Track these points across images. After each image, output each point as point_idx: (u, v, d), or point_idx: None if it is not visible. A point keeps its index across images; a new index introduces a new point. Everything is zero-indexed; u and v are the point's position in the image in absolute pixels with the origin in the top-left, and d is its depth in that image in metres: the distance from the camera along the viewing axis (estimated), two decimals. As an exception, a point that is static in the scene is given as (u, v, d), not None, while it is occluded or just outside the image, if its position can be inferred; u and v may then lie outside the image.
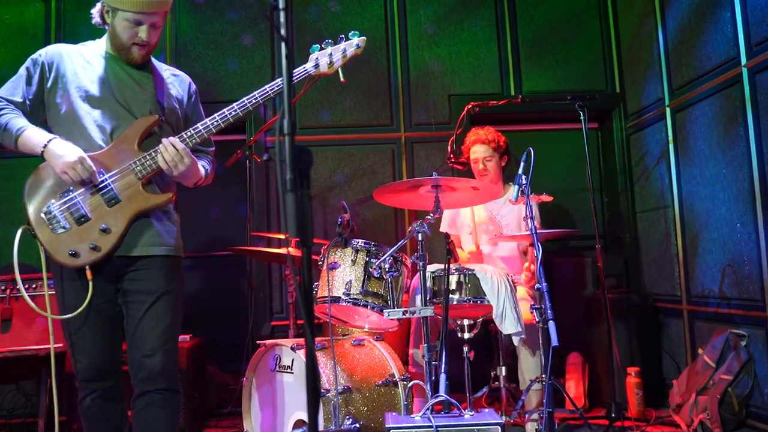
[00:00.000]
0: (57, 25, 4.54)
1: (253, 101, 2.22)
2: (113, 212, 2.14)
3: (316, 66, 2.27)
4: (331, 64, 2.31)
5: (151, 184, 2.23)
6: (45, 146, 2.10)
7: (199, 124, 2.23)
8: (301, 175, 1.30)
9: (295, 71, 2.28)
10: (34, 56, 2.23)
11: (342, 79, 3.64)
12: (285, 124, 1.30)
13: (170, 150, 2.15)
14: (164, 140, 2.17)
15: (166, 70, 2.39)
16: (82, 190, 2.14)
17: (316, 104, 4.66)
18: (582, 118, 3.72)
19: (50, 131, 2.19)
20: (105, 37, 2.28)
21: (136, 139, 2.18)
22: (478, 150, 3.72)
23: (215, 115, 2.22)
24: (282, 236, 3.68)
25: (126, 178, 2.16)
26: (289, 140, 1.30)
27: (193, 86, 2.44)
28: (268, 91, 2.22)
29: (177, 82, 2.38)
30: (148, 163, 2.17)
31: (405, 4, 4.78)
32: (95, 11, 2.23)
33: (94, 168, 2.10)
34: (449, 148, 4.00)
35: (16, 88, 2.21)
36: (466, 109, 4.10)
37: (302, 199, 1.27)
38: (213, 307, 4.70)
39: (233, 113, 2.21)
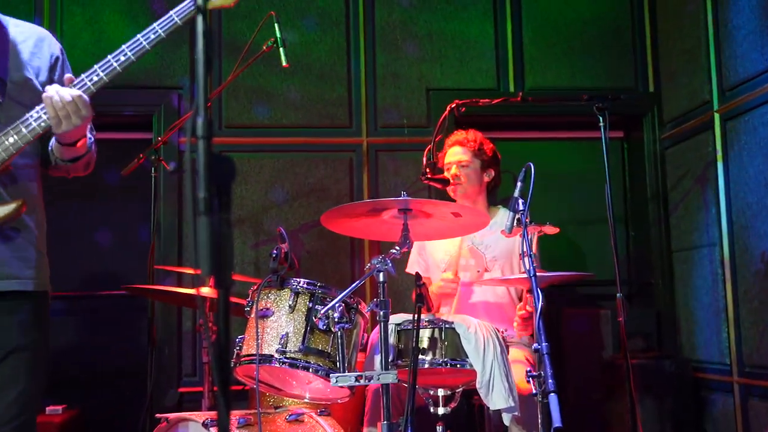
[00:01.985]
0: None
1: (162, 30, 2.26)
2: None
3: None
4: None
5: None
6: None
7: (94, 66, 2.25)
8: (220, 193, 1.29)
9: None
10: None
11: (285, 62, 3.74)
12: (199, 124, 1.30)
13: (57, 97, 2.16)
14: (48, 88, 2.18)
15: (17, 27, 2.39)
16: None
17: (249, 95, 4.72)
18: (602, 124, 3.81)
19: None
20: None
21: None
22: (455, 151, 3.82)
23: (108, 56, 2.25)
24: (194, 272, 3.68)
25: None
26: (203, 145, 1.29)
27: (58, 45, 2.45)
28: (175, 20, 2.25)
29: (32, 42, 2.39)
30: None
31: (372, -35, 4.89)
32: None
33: None
34: (425, 159, 4.07)
35: None
36: (449, 108, 4.16)
37: (219, 225, 1.28)
38: (98, 367, 4.65)
39: (139, 47, 2.24)
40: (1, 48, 2.28)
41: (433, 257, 3.88)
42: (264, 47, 3.69)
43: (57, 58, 2.42)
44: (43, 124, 2.22)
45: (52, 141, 2.38)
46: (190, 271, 4.07)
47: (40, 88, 2.30)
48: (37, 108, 2.23)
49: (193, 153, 1.30)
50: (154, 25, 2.26)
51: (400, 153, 4.78)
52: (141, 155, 3.95)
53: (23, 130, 2.22)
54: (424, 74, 4.85)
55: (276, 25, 3.66)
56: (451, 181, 3.78)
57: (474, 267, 3.76)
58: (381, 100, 4.81)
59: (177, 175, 4.52)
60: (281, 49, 3.66)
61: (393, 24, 4.87)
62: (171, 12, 2.26)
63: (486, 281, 3.62)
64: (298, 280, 2.88)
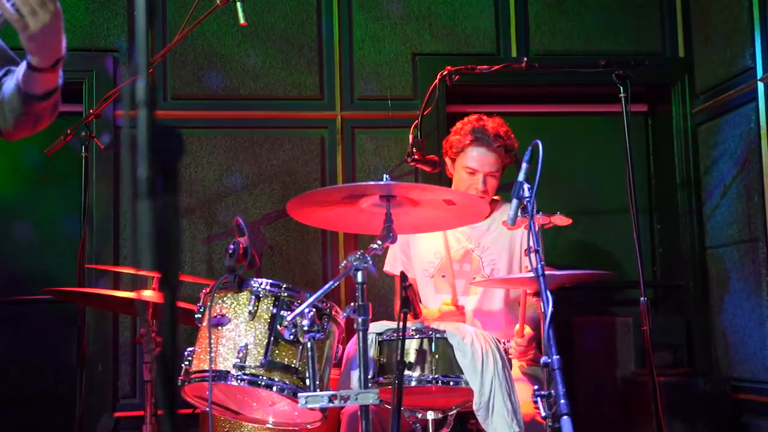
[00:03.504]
0: None
1: None
2: None
3: None
4: None
5: None
6: None
7: None
8: (165, 172, 1.29)
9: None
10: None
11: (242, 20, 3.72)
12: (140, 88, 1.29)
13: None
14: None
15: None
16: None
17: (199, 60, 4.69)
18: (622, 95, 3.82)
19: None
20: None
21: None
22: (481, 156, 3.66)
23: None
24: (137, 271, 3.66)
25: None
26: (145, 115, 1.28)
27: None
28: None
29: None
30: None
31: None
32: None
33: None
34: (411, 137, 4.07)
35: None
36: (439, 76, 4.17)
37: (164, 210, 1.27)
38: (18, 388, 4.62)
39: None
40: None
41: (419, 257, 3.84)
42: (218, 1, 3.66)
43: None
44: None
45: (18, 75, 2.40)
46: (129, 270, 4.04)
47: None
48: None
49: (131, 126, 1.28)
50: None
51: (381, 130, 4.78)
52: (68, 131, 3.90)
53: None
54: (410, 37, 4.85)
55: (225, -25, 3.64)
56: (476, 191, 3.68)
57: (469, 274, 3.74)
58: (358, 68, 4.81)
59: (112, 154, 4.48)
60: (238, 4, 3.65)
61: (373, -25, 4.86)
62: None
63: (481, 282, 3.61)
64: (259, 280, 2.88)
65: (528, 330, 3.38)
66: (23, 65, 2.39)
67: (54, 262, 4.70)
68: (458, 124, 3.79)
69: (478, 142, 3.68)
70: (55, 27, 2.30)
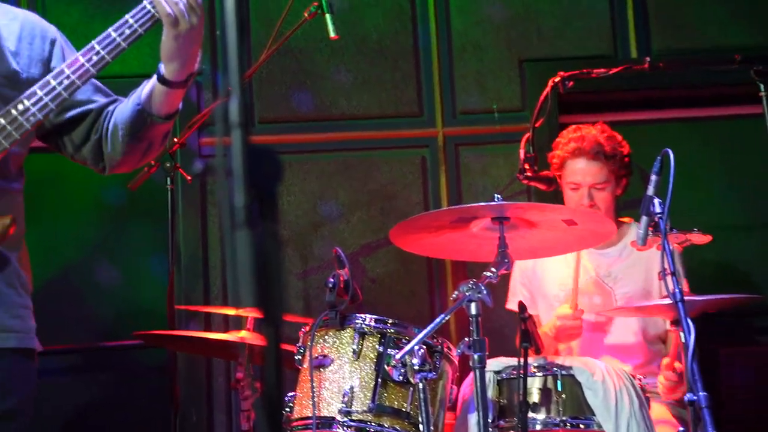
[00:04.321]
0: None
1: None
2: None
3: None
4: None
5: None
6: None
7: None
8: (263, 200, 1.28)
9: None
10: None
11: (333, 33, 3.73)
12: (233, 108, 1.28)
13: None
14: None
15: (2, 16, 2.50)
16: None
17: (287, 80, 4.72)
18: (763, 93, 3.73)
19: None
20: None
21: None
22: (582, 168, 3.64)
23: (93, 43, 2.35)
24: (231, 311, 3.70)
25: None
26: (239, 137, 1.28)
27: (52, 28, 2.56)
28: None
29: (17, 28, 2.49)
30: None
31: None
32: None
33: None
34: (523, 152, 4.03)
35: None
36: (550, 83, 4.12)
37: (264, 241, 1.26)
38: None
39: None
40: None
41: (543, 291, 3.80)
42: (305, 14, 3.69)
43: (52, 44, 2.53)
44: (44, 109, 2.31)
45: (140, 93, 2.45)
46: (222, 310, 4.08)
47: (28, 82, 2.40)
48: (36, 88, 2.31)
49: (223, 149, 1.29)
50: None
51: (488, 146, 4.75)
52: (152, 162, 3.87)
53: (17, 116, 2.29)
54: (516, 42, 4.81)
55: (317, -17, 3.66)
56: (582, 207, 3.63)
57: (600, 306, 3.67)
58: (460, 79, 4.79)
59: (198, 185, 4.55)
60: (328, 16, 3.65)
61: (473, -23, 4.85)
62: None
63: (612, 311, 3.55)
64: (362, 316, 2.88)
65: (678, 363, 3.29)
66: (150, 82, 2.44)
67: (141, 304, 4.76)
68: (558, 138, 3.78)
69: (576, 153, 3.64)
70: (199, 33, 2.37)
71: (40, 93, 2.30)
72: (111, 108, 2.52)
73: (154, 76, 2.41)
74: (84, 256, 4.85)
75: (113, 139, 2.48)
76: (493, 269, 2.81)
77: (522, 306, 2.93)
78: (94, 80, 2.50)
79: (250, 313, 3.37)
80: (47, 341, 2.48)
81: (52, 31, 2.56)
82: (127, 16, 2.34)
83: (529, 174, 3.98)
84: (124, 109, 2.48)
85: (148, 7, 2.33)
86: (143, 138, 2.49)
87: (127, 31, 2.33)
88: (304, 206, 4.67)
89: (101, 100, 2.54)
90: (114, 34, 2.33)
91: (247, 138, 1.29)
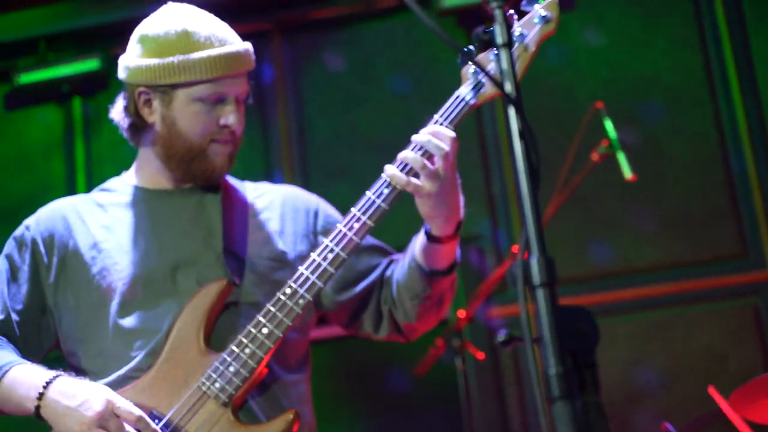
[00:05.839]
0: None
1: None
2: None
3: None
4: (525, 48, 2.38)
5: (247, 408, 2.37)
6: (42, 395, 2.26)
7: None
8: (579, 367, 1.37)
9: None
10: (17, 232, 2.54)
11: (629, 174, 3.54)
12: (534, 266, 1.39)
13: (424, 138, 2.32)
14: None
15: (256, 190, 2.67)
16: None
17: (575, 224, 4.59)
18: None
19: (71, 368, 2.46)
20: (136, 164, 2.62)
21: (199, 333, 2.36)
22: None
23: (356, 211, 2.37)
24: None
25: (202, 411, 2.32)
26: (545, 298, 1.36)
27: (313, 198, 2.69)
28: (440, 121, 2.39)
29: (278, 205, 2.63)
30: (231, 369, 2.30)
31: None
32: (118, 110, 2.52)
33: (144, 417, 2.23)
34: None
35: None
36: None
37: (586, 415, 1.29)
38: None
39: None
40: (236, 219, 2.55)
41: None
42: (593, 157, 3.66)
43: (315, 215, 2.66)
44: (312, 289, 2.34)
45: (413, 253, 2.49)
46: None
47: (294, 262, 2.53)
48: (303, 268, 2.36)
49: (526, 314, 1.39)
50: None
51: None
52: (436, 342, 3.87)
53: (286, 301, 2.33)
54: None
55: (606, 120, 3.63)
56: None
57: None
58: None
59: (497, 365, 4.53)
60: (620, 155, 3.62)
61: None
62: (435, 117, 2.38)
63: None
64: None
65: None
66: (419, 239, 2.47)
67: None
68: None
69: None
70: (452, 184, 2.38)
71: (306, 273, 2.36)
72: (388, 273, 2.58)
73: (422, 233, 2.44)
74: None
75: (402, 307, 2.53)
76: None
77: None
78: (369, 239, 2.57)
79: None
80: None
81: (314, 201, 2.69)
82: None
83: None
84: (400, 270, 2.53)
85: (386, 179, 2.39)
86: (431, 296, 2.51)
87: (386, 191, 2.37)
88: (614, 375, 4.46)
89: (379, 262, 2.62)
90: (372, 196, 2.38)
91: (554, 298, 1.39)
